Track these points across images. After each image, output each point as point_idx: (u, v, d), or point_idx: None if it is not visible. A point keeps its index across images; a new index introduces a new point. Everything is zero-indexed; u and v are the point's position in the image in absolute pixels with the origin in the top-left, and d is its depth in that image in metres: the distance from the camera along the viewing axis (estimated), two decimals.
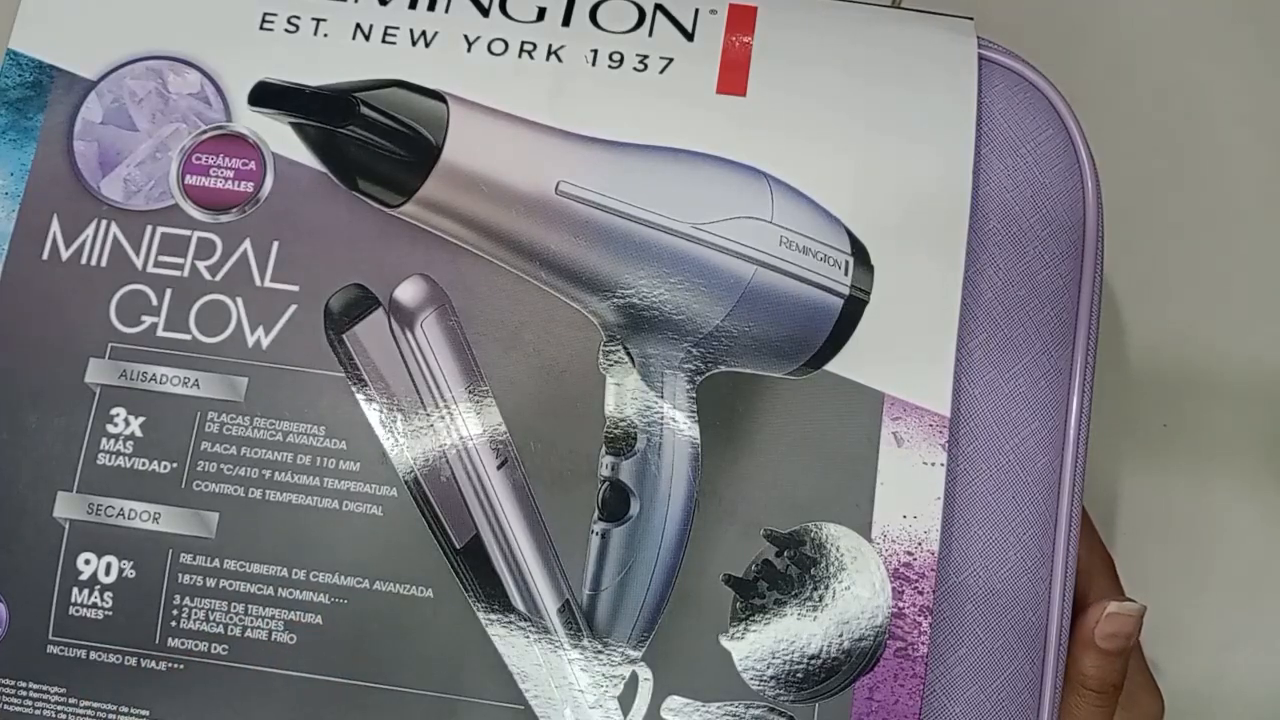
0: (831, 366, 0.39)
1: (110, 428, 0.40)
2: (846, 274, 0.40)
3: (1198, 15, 0.52)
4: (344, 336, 0.39)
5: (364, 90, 0.39)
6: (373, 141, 0.39)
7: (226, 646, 0.39)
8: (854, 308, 0.40)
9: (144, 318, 0.40)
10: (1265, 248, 0.50)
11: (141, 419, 0.40)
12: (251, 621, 0.39)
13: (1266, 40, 0.52)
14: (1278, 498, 0.48)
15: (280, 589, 0.39)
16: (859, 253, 0.40)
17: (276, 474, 0.39)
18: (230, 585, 0.39)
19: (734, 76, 0.40)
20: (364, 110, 0.39)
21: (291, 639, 0.39)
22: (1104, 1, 0.52)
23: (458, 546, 0.39)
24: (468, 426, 0.39)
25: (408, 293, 0.39)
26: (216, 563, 0.39)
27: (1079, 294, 0.41)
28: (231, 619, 0.39)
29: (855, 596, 0.39)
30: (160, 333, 0.40)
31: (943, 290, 0.39)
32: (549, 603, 0.39)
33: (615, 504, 0.39)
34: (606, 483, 0.39)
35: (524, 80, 0.40)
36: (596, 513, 0.39)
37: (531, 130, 0.40)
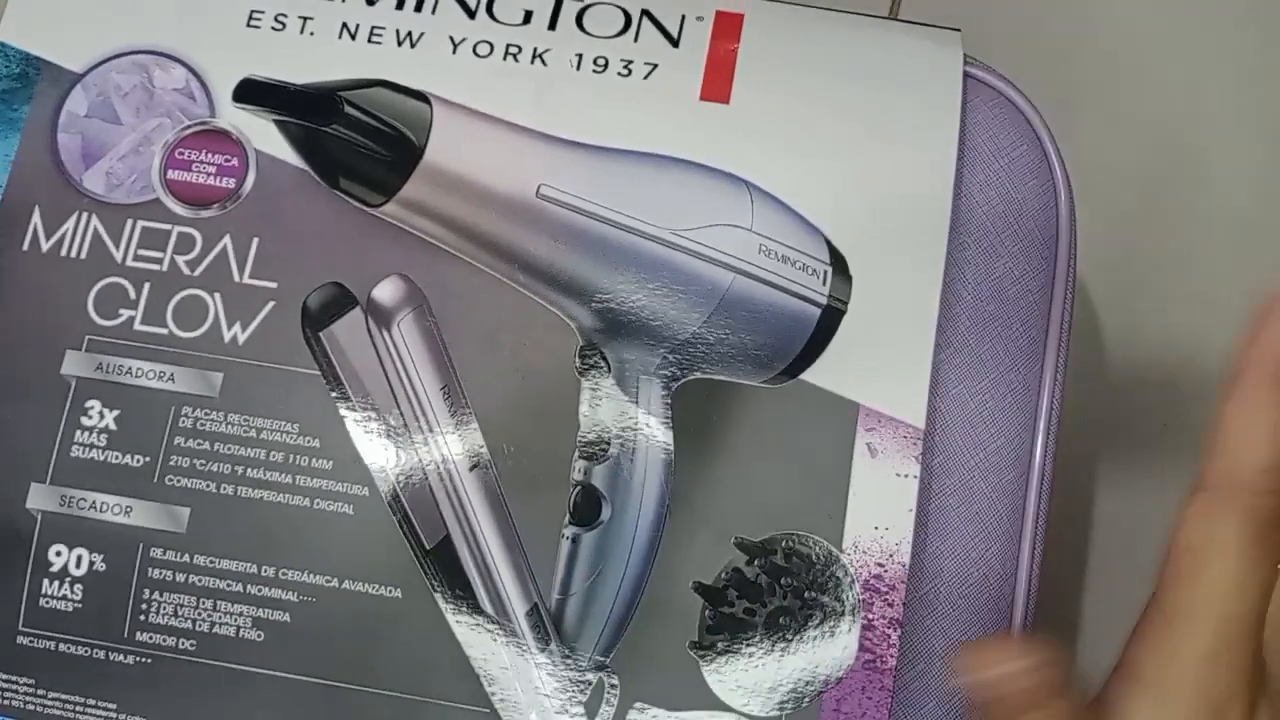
0: (807, 376, 0.39)
1: (85, 420, 0.39)
2: (825, 284, 0.39)
3: (1191, 22, 0.52)
4: (320, 334, 0.39)
5: (348, 89, 0.39)
6: (355, 140, 0.39)
7: (194, 642, 0.39)
8: (831, 318, 0.39)
9: (122, 311, 0.40)
10: (1265, 248, 0.50)
11: (116, 412, 0.40)
12: (220, 618, 0.39)
13: (1260, 43, 0.52)
14: None
15: (249, 586, 0.39)
16: (838, 262, 0.40)
17: (249, 470, 0.39)
18: (199, 581, 0.39)
19: (718, 83, 0.40)
20: (347, 109, 0.39)
21: (259, 636, 0.39)
22: (1097, 11, 0.52)
23: (428, 548, 0.39)
24: (441, 428, 0.39)
25: (385, 292, 0.39)
26: (186, 558, 0.39)
27: (1049, 310, 0.41)
28: (200, 615, 0.39)
29: (825, 607, 0.39)
30: (137, 326, 0.40)
31: (920, 302, 0.39)
32: (517, 606, 0.39)
33: (586, 509, 0.39)
34: (579, 487, 0.39)
35: (508, 83, 0.40)
36: (568, 517, 0.39)
37: (514, 133, 0.40)
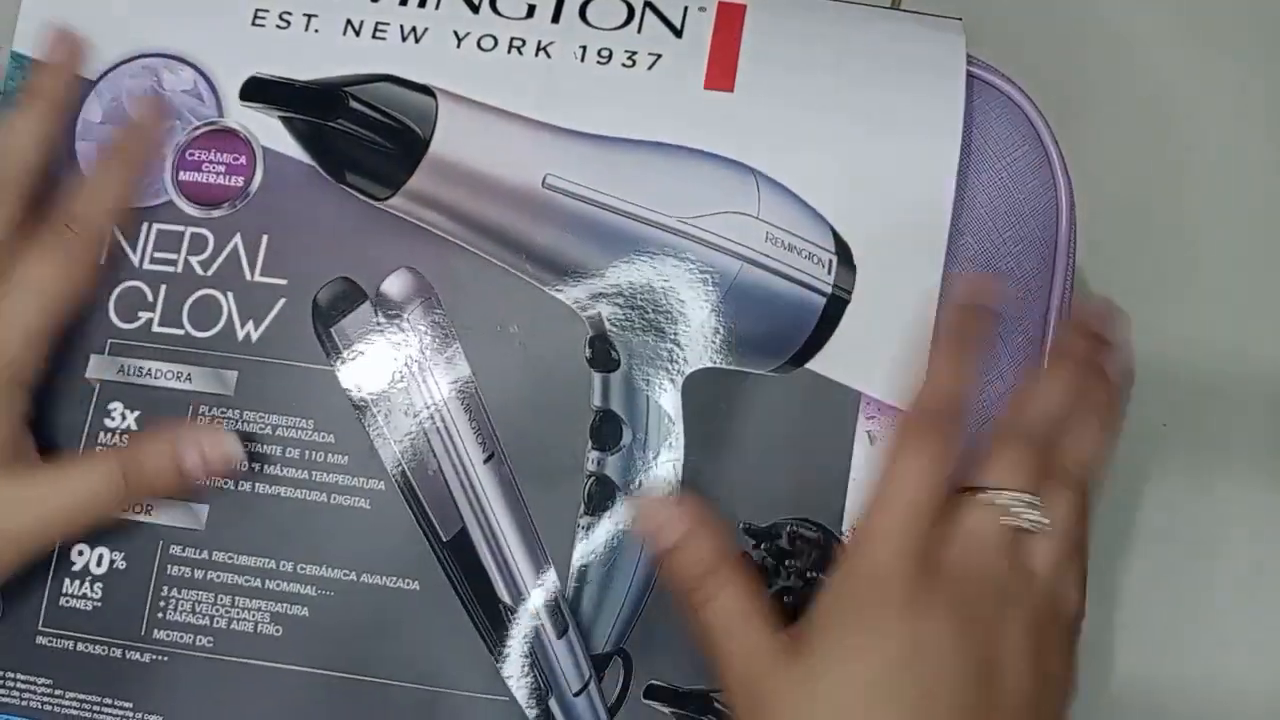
0: (812, 365, 0.39)
1: (108, 422, 0.40)
2: (830, 273, 0.39)
3: (1191, 22, 0.51)
4: (331, 330, 0.39)
5: (353, 84, 0.39)
6: (361, 135, 0.39)
7: (212, 639, 0.39)
8: (836, 307, 0.39)
9: (141, 313, 0.40)
10: (1265, 248, 0.50)
11: (137, 413, 0.40)
12: (238, 614, 0.39)
13: (1261, 42, 0.51)
14: (1278, 498, 0.47)
15: (268, 581, 0.39)
16: (842, 251, 0.39)
17: (266, 467, 0.39)
18: (218, 577, 0.39)
19: (722, 73, 0.40)
20: (353, 104, 0.39)
21: (278, 631, 0.39)
22: (1097, 10, 0.52)
23: (444, 540, 0.39)
24: (454, 420, 0.39)
25: (394, 286, 0.40)
26: (205, 554, 0.39)
27: (1047, 309, 0.41)
28: (218, 611, 0.39)
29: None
30: (156, 328, 0.40)
31: (921, 292, 0.39)
32: (534, 595, 0.39)
33: (601, 498, 0.39)
34: (592, 477, 0.39)
35: (512, 76, 0.41)
36: (582, 506, 0.39)
37: (519, 124, 0.40)
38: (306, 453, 0.39)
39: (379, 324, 0.40)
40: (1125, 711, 0.46)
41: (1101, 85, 0.51)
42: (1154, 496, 0.48)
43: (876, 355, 0.39)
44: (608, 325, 0.39)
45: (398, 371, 0.39)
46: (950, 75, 0.41)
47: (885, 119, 0.40)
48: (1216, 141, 0.50)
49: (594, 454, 0.39)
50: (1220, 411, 0.48)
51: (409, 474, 0.39)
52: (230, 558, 0.39)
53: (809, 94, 0.40)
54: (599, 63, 0.41)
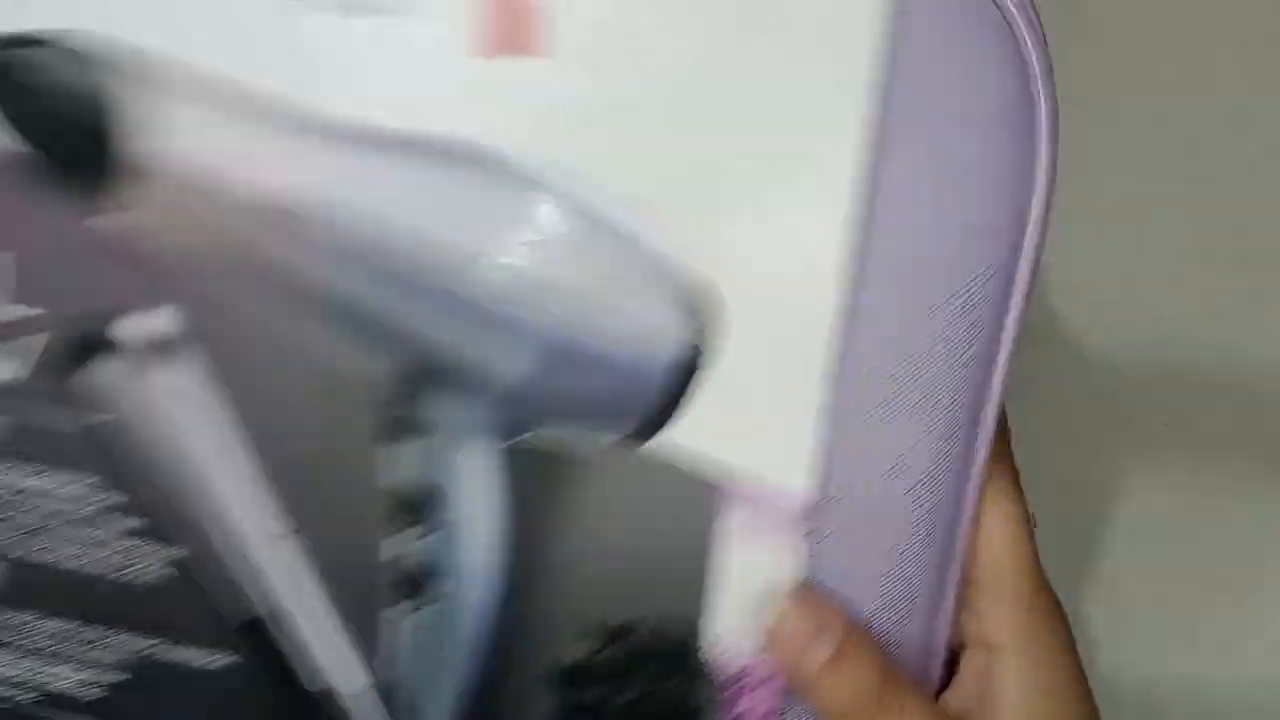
0: (667, 436, 0.30)
1: None
2: (681, 319, 0.29)
3: (1191, 22, 0.49)
4: (72, 381, 0.32)
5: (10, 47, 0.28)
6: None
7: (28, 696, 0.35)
8: (690, 362, 0.30)
9: None
10: (1265, 248, 0.49)
11: None
12: (44, 679, 0.35)
13: (1261, 42, 0.49)
14: (1278, 498, 0.49)
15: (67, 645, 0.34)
16: (697, 293, 0.29)
17: (48, 527, 0.33)
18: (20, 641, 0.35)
19: (519, 30, 0.28)
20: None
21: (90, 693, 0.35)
22: (1096, 11, 0.48)
23: (233, 627, 0.33)
24: (231, 493, 0.32)
25: (147, 331, 0.31)
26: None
27: (996, 351, 0.30)
28: (23, 673, 0.35)
29: (679, 698, 0.32)
30: None
31: (809, 339, 0.29)
32: (343, 687, 0.34)
33: (412, 584, 0.32)
34: (402, 561, 0.32)
35: (240, 33, 0.29)
36: (393, 593, 0.33)
37: (255, 113, 0.29)
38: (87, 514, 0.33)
39: (128, 379, 0.31)
40: (1125, 711, 0.48)
41: (1099, 87, 0.47)
42: (1154, 497, 0.49)
43: (749, 422, 0.30)
44: (404, 388, 0.31)
45: (165, 431, 0.32)
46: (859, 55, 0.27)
47: (770, 105, 0.28)
48: (1217, 140, 0.49)
49: (401, 536, 0.32)
50: (1220, 411, 0.50)
51: (190, 553, 0.33)
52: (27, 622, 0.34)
53: (657, 69, 0.28)
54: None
